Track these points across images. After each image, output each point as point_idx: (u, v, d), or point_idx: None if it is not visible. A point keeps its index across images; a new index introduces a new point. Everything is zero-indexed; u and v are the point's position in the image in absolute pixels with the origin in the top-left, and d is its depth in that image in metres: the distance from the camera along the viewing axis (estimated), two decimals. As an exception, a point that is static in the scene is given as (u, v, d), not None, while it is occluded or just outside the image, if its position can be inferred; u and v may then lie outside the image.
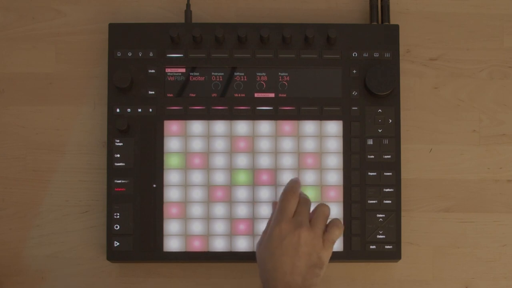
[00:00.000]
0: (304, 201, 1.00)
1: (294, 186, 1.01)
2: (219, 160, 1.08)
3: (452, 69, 1.12)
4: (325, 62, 1.09)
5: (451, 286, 1.10)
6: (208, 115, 1.08)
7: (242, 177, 1.08)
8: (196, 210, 1.07)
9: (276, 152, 1.08)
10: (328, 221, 1.01)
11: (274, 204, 1.04)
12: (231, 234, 1.07)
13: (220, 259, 1.07)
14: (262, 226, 1.06)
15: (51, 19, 1.13)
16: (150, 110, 1.08)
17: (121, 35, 1.09)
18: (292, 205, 0.99)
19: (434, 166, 1.11)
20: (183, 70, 1.09)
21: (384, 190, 1.07)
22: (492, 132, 1.12)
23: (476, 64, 1.13)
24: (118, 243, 1.07)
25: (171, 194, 1.07)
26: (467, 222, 1.11)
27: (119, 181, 1.07)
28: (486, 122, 1.12)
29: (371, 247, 1.07)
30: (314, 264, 0.97)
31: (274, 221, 0.98)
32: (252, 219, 1.07)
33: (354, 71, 1.09)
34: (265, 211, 1.07)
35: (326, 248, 0.98)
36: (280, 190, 1.07)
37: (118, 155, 1.07)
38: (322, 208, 1.00)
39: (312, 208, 1.01)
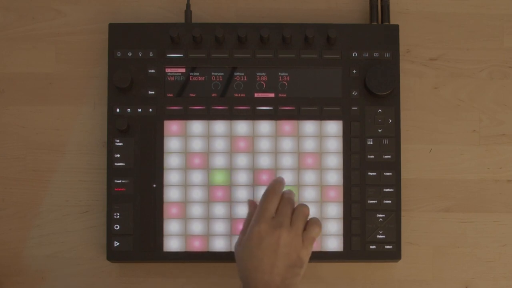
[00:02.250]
0: (287, 200, 1.00)
1: (275, 186, 1.01)
2: (219, 160, 1.08)
3: (452, 69, 1.12)
4: (325, 62, 1.09)
5: (451, 286, 1.10)
6: (208, 115, 1.08)
7: (242, 177, 1.08)
8: (196, 210, 1.07)
9: (276, 152, 1.08)
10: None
11: (250, 202, 1.04)
12: (231, 234, 1.07)
13: (220, 259, 1.07)
14: (262, 226, 1.06)
15: (51, 19, 1.13)
16: (150, 110, 1.08)
17: (121, 35, 1.09)
18: (272, 205, 0.99)
19: (434, 166, 1.11)
20: (183, 70, 1.09)
21: (384, 190, 1.07)
22: (492, 132, 1.12)
23: (476, 64, 1.13)
24: (118, 243, 1.07)
25: (171, 194, 1.07)
26: (467, 222, 1.11)
27: (119, 181, 1.07)
28: (486, 122, 1.12)
29: (371, 247, 1.07)
30: (294, 264, 0.97)
31: (254, 221, 0.98)
32: (252, 219, 1.07)
33: (354, 71, 1.09)
34: (265, 211, 1.07)
35: (305, 247, 0.99)
36: (280, 190, 1.07)
37: (118, 155, 1.07)
38: (302, 208, 1.00)
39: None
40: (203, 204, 1.07)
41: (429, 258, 1.10)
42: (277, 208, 1.00)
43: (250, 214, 1.02)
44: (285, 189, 1.03)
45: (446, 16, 1.13)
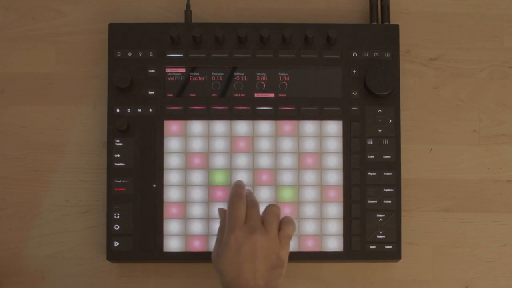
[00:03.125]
0: (251, 204, 1.01)
1: (238, 190, 1.02)
2: (219, 160, 1.08)
3: (452, 69, 1.13)
4: (325, 62, 1.09)
5: (451, 286, 1.10)
6: (208, 115, 1.08)
7: (242, 177, 1.08)
8: (196, 210, 1.07)
9: (276, 152, 1.08)
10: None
11: (220, 211, 1.04)
12: (231, 234, 1.07)
13: (220, 259, 1.07)
14: (262, 226, 1.07)
15: (51, 19, 1.13)
16: (150, 110, 1.08)
17: (121, 35, 1.09)
18: (241, 211, 1.00)
19: (434, 166, 1.11)
20: (183, 70, 1.09)
21: (384, 190, 1.07)
22: (492, 132, 1.12)
23: (476, 64, 1.13)
24: (118, 243, 1.07)
25: (171, 194, 1.07)
26: (467, 222, 1.11)
27: (119, 181, 1.07)
28: (486, 122, 1.12)
29: (371, 247, 1.07)
30: (275, 265, 0.98)
31: (228, 230, 0.99)
32: (252, 219, 1.07)
33: (354, 71, 1.09)
34: (265, 211, 1.07)
35: (283, 246, 0.99)
36: (280, 190, 1.07)
37: (118, 155, 1.07)
38: (272, 208, 1.01)
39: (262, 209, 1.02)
40: (203, 204, 1.07)
41: (429, 258, 1.10)
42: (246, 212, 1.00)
43: (222, 222, 1.02)
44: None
45: (446, 16, 1.13)
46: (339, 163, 1.08)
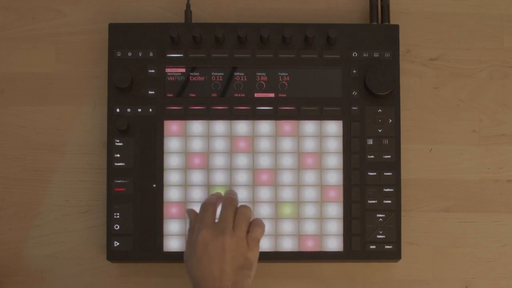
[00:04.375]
0: (227, 203, 1.01)
1: (212, 196, 1.02)
2: (219, 160, 1.08)
3: (452, 69, 1.13)
4: (325, 62, 1.09)
5: (451, 286, 1.10)
6: (208, 115, 1.08)
7: (242, 177, 1.08)
8: (196, 210, 1.07)
9: (276, 152, 1.08)
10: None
11: (188, 211, 1.03)
12: (231, 234, 1.07)
13: (220, 259, 1.07)
14: (262, 226, 1.07)
15: (51, 19, 1.13)
16: (150, 110, 1.08)
17: (121, 35, 1.09)
18: (210, 213, 1.00)
19: (434, 166, 1.11)
20: (183, 70, 1.09)
21: (384, 190, 1.07)
22: (492, 132, 1.12)
23: (476, 64, 1.13)
24: (118, 243, 1.07)
25: (171, 194, 1.07)
26: (467, 222, 1.11)
27: (119, 181, 1.07)
28: (486, 122, 1.12)
29: (371, 247, 1.07)
30: (242, 266, 0.98)
31: (197, 230, 0.99)
32: (252, 219, 1.07)
33: (354, 71, 1.09)
34: (265, 211, 1.07)
35: (251, 248, 0.99)
36: (280, 190, 1.07)
37: (118, 155, 1.07)
38: (243, 210, 1.01)
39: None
40: (203, 204, 1.07)
41: (429, 258, 1.10)
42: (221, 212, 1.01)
43: (192, 223, 1.02)
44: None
45: (446, 16, 1.13)
46: (339, 163, 1.08)
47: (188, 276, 0.99)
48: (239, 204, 1.02)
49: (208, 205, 1.01)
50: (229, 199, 1.01)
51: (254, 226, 1.00)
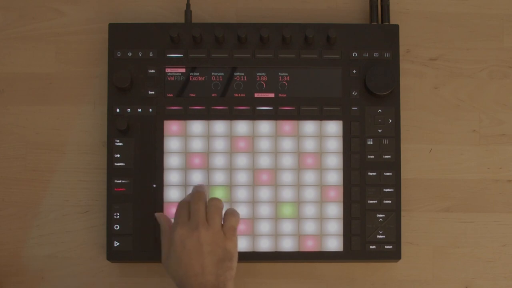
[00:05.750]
0: (196, 198, 1.00)
1: (186, 197, 1.02)
2: (219, 160, 1.08)
3: (452, 69, 1.13)
4: (325, 62, 1.09)
5: (451, 286, 1.10)
6: (208, 115, 1.08)
7: (242, 177, 1.08)
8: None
9: (276, 152, 1.08)
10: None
11: (158, 216, 1.03)
12: (231, 234, 1.07)
13: (220, 259, 1.07)
14: (262, 226, 1.06)
15: (51, 19, 1.13)
16: (150, 110, 1.08)
17: (121, 35, 1.09)
18: (185, 211, 1.00)
19: (434, 166, 1.11)
20: (183, 70, 1.09)
21: (384, 190, 1.07)
22: (492, 132, 1.12)
23: (476, 64, 1.13)
24: (118, 243, 1.07)
25: (171, 194, 1.07)
26: (467, 222, 1.11)
27: (119, 181, 1.07)
28: (486, 122, 1.12)
29: (371, 247, 1.07)
30: (223, 258, 0.98)
31: (172, 229, 0.99)
32: (252, 219, 1.07)
33: (354, 71, 1.09)
34: (265, 211, 1.07)
35: (229, 238, 0.99)
36: (280, 190, 1.07)
37: (118, 155, 1.07)
38: (214, 202, 1.01)
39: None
40: (203, 204, 1.07)
41: (429, 258, 1.10)
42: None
43: (164, 226, 1.02)
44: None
45: (446, 16, 1.13)
46: (339, 163, 1.08)
47: (170, 277, 0.99)
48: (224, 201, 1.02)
49: (182, 203, 1.01)
50: (197, 193, 1.01)
51: (228, 215, 1.01)
